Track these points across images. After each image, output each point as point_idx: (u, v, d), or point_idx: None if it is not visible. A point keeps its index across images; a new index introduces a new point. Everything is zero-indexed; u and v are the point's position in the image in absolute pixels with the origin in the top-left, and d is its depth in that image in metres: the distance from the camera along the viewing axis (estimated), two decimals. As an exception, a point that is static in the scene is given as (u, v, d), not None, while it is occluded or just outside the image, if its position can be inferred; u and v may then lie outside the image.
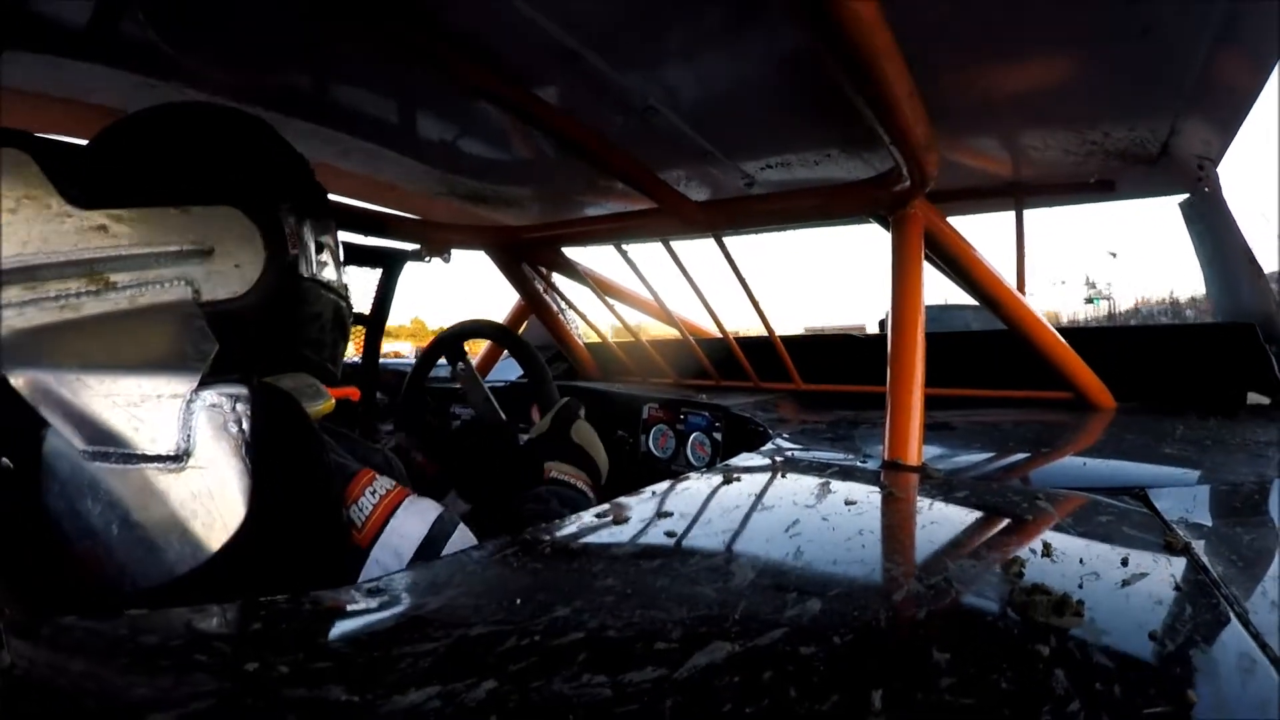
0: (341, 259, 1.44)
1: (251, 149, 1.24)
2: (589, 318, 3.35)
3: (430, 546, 1.09)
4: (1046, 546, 0.85)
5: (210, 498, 0.91)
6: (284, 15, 1.30)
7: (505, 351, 3.34)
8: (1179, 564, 0.82)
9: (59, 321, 0.94)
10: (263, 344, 1.16)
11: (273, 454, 0.96)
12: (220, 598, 0.67)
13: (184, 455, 0.92)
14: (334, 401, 1.23)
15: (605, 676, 0.55)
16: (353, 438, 1.30)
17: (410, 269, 2.57)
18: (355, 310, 1.51)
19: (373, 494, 1.10)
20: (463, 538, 1.14)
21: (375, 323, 2.39)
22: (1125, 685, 0.55)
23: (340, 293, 1.39)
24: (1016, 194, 2.28)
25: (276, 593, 0.70)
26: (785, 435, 1.82)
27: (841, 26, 0.92)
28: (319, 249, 1.29)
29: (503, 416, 2.23)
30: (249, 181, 1.18)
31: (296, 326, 1.26)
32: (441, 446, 2.21)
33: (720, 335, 2.87)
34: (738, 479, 1.23)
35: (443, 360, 2.33)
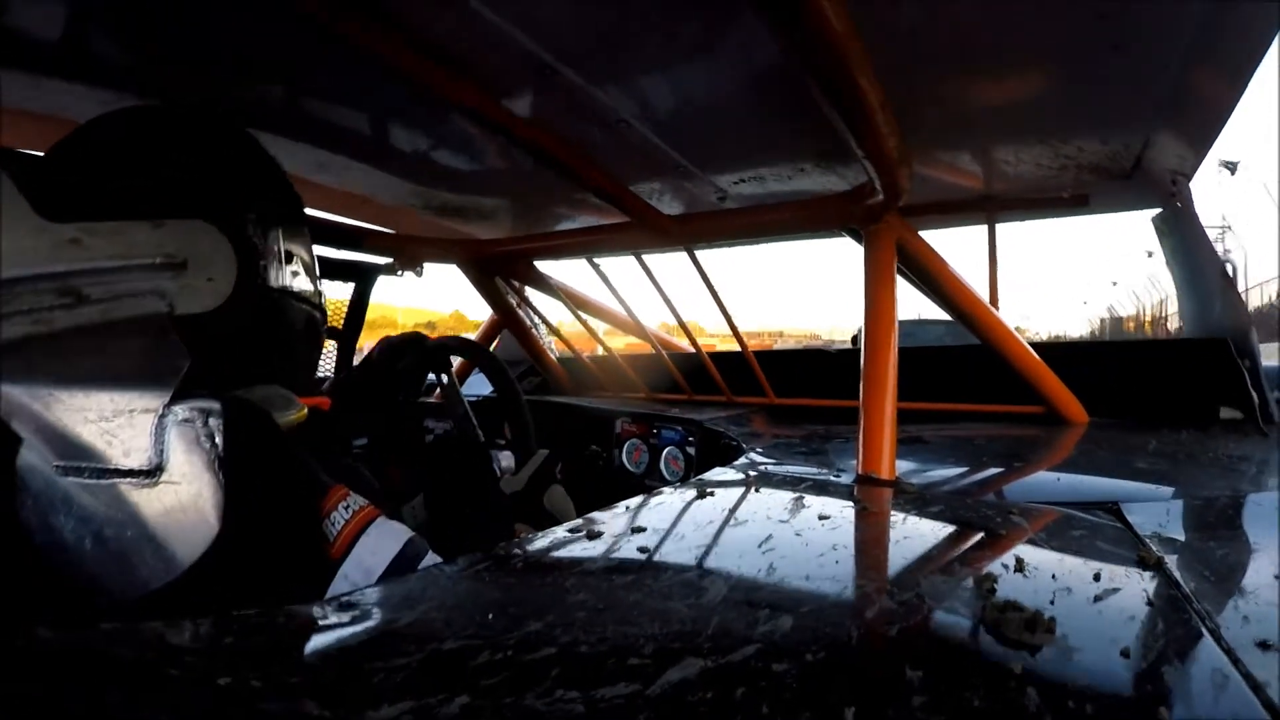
0: (316, 267, 1.43)
1: (223, 159, 1.23)
2: (562, 332, 3.38)
3: (400, 568, 1.09)
4: (1019, 562, 0.85)
5: (183, 512, 0.91)
6: (256, 29, 1.29)
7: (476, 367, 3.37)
8: (1152, 579, 0.82)
9: (31, 335, 0.93)
10: (235, 357, 1.16)
11: (246, 468, 0.96)
12: (194, 611, 0.67)
13: (157, 470, 0.92)
14: (306, 410, 1.22)
15: (578, 692, 0.55)
16: (322, 455, 1.30)
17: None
18: (329, 324, 1.50)
19: (345, 509, 1.10)
20: (431, 562, 1.13)
21: (348, 336, 2.39)
22: (1097, 703, 0.55)
23: (313, 302, 1.38)
24: (989, 208, 2.28)
25: (251, 606, 0.70)
26: (759, 449, 1.83)
27: (814, 38, 0.93)
28: (290, 258, 1.28)
29: (480, 435, 2.23)
30: (220, 194, 1.17)
31: (268, 338, 1.25)
32: (415, 459, 2.21)
33: (693, 349, 2.89)
34: (711, 493, 1.23)
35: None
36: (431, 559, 1.14)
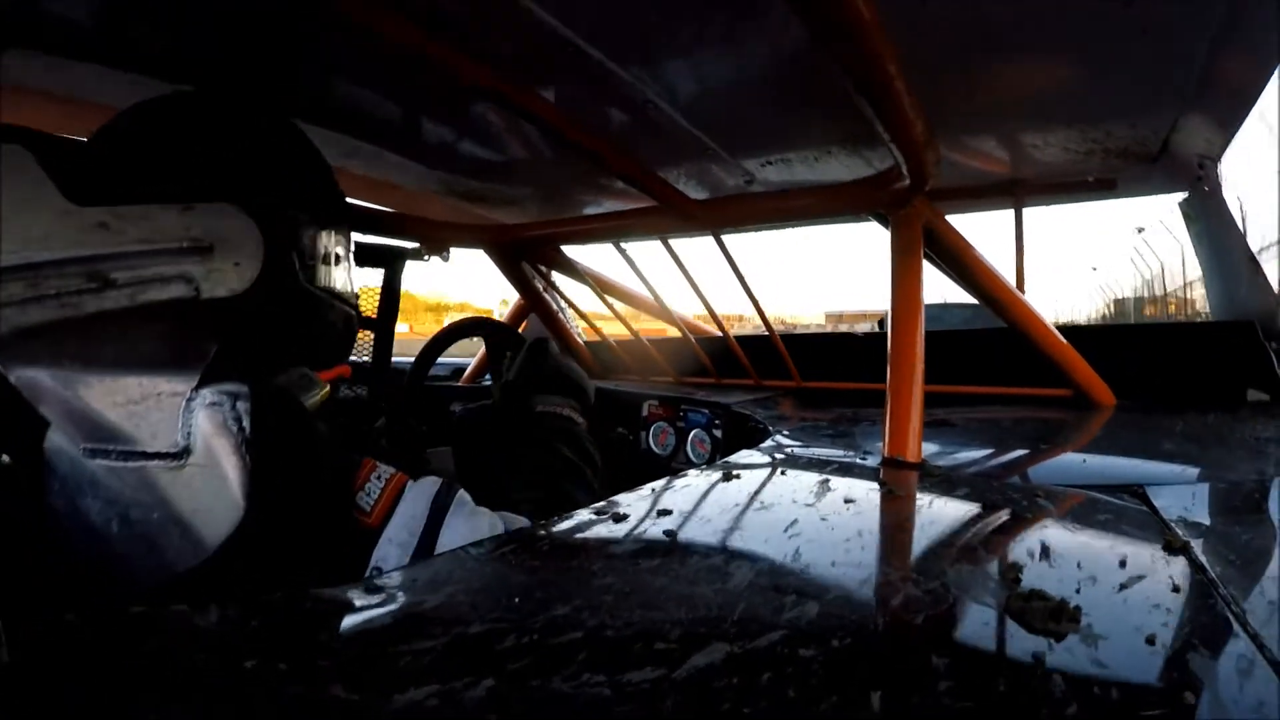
0: (350, 259, 1.45)
1: (255, 145, 1.23)
2: (589, 316, 3.37)
3: (438, 514, 1.10)
4: (1044, 548, 0.85)
5: (210, 495, 0.92)
6: (284, 15, 1.29)
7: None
8: (1177, 564, 0.82)
9: (59, 319, 0.94)
10: (262, 342, 1.16)
11: (273, 451, 0.97)
12: (221, 595, 0.67)
13: (184, 453, 0.93)
14: (329, 388, 1.23)
15: (604, 676, 0.55)
16: (349, 429, 1.30)
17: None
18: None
19: (379, 479, 1.11)
20: (464, 501, 1.15)
21: (384, 325, 2.35)
22: (1122, 689, 0.55)
23: (350, 301, 1.40)
24: (1016, 192, 2.27)
25: (280, 589, 0.70)
26: (785, 432, 1.82)
27: (840, 22, 0.92)
28: (327, 257, 1.30)
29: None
30: (249, 178, 1.18)
31: (299, 329, 1.26)
32: (447, 441, 2.22)
33: (720, 333, 2.88)
34: (737, 476, 1.23)
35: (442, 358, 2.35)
36: (463, 497, 1.15)
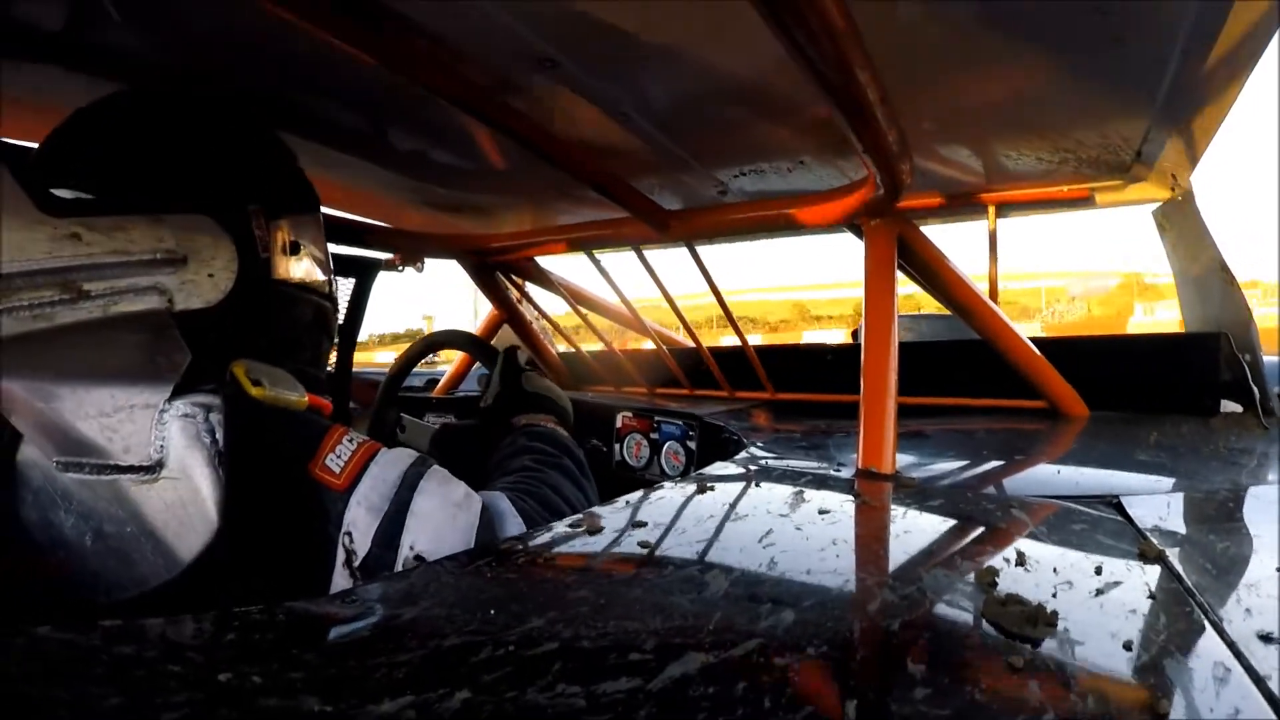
0: (329, 257, 1.44)
1: (225, 149, 1.23)
2: (562, 327, 3.37)
3: (412, 479, 1.10)
4: (1020, 555, 0.85)
5: (183, 508, 0.91)
6: (258, 21, 1.26)
7: (476, 363, 3.36)
8: (1153, 572, 0.82)
9: (32, 331, 0.93)
10: (238, 353, 1.13)
11: (245, 464, 0.96)
12: (194, 608, 0.67)
13: (157, 466, 0.92)
14: (307, 402, 1.22)
15: (579, 687, 0.55)
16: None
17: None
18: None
19: (350, 442, 1.10)
20: (438, 469, 1.16)
21: (348, 333, 2.34)
22: (1098, 696, 0.55)
23: (322, 292, 1.39)
24: (990, 203, 2.28)
25: (252, 601, 0.70)
26: (759, 444, 1.83)
27: (815, 34, 0.92)
28: (296, 249, 1.28)
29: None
30: (222, 188, 1.17)
31: (273, 332, 1.25)
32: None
33: (693, 344, 2.88)
34: (712, 488, 1.23)
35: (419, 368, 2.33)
36: (438, 471, 1.15)
